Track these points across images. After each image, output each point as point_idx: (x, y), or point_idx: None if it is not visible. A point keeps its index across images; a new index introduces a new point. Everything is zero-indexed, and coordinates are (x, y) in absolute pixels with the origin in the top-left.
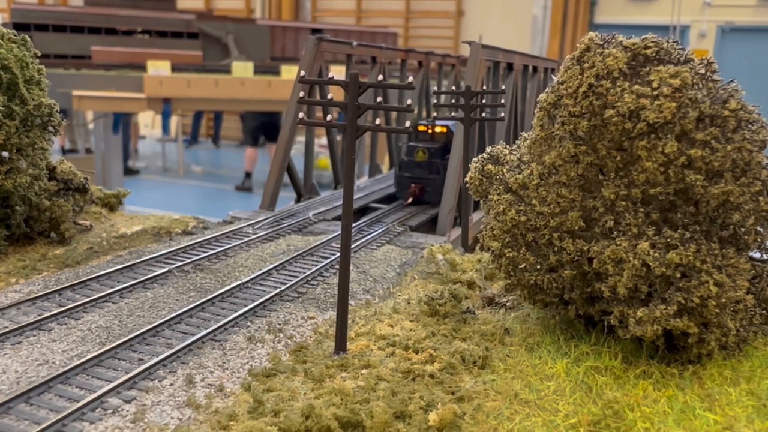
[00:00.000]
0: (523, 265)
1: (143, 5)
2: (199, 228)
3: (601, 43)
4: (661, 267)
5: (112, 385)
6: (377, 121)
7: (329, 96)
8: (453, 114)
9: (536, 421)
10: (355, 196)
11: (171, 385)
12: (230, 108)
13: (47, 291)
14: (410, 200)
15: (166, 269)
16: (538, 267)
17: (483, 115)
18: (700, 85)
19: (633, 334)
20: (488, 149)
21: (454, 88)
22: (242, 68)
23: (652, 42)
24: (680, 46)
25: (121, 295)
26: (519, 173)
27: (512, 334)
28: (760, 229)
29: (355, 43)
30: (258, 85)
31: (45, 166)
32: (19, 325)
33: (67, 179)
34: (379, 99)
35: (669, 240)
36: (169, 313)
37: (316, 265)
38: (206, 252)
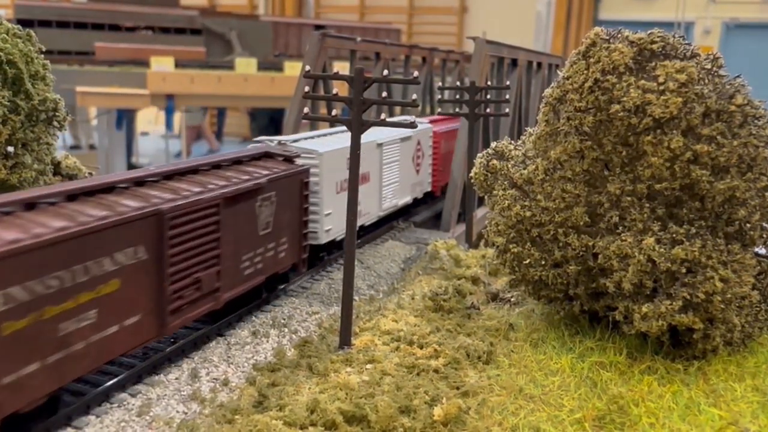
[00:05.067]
0: (527, 261)
1: (147, 1)
2: None
3: (607, 38)
4: (667, 262)
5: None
6: (382, 116)
7: (334, 91)
8: (457, 110)
9: (541, 416)
10: None
11: (176, 379)
12: (233, 104)
13: None
14: None
15: None
16: (543, 262)
17: (487, 110)
18: (706, 81)
19: (638, 329)
20: (493, 145)
21: (458, 83)
22: (245, 64)
23: (658, 37)
24: (686, 41)
25: None
26: (524, 169)
27: (517, 329)
28: (767, 225)
29: (359, 38)
30: (261, 82)
31: (50, 161)
32: None
33: (72, 174)
34: (383, 94)
35: (674, 235)
36: None
37: None
38: None
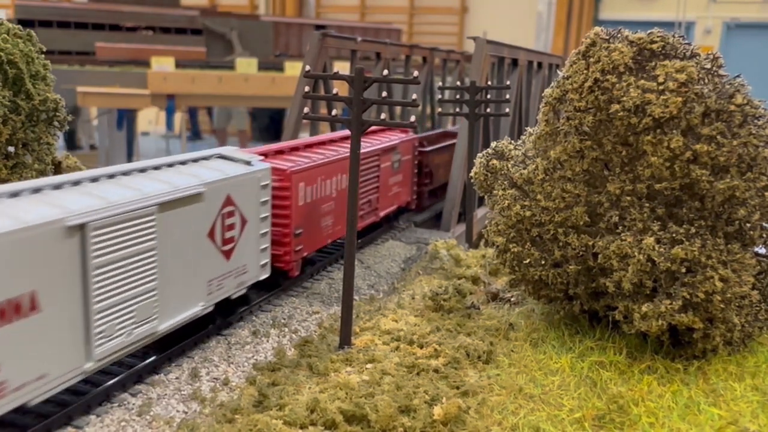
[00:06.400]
0: (527, 260)
1: (147, 1)
2: None
3: (607, 37)
4: (667, 262)
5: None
6: (382, 116)
7: (334, 91)
8: (457, 109)
9: (541, 415)
10: None
11: (177, 378)
12: (234, 104)
13: None
14: None
15: None
16: (543, 262)
17: (487, 110)
18: (706, 80)
19: (638, 329)
20: (493, 144)
21: (458, 83)
22: (246, 64)
23: (658, 36)
24: (686, 41)
25: None
26: (524, 168)
27: (517, 329)
28: (766, 225)
29: (359, 38)
30: (262, 82)
31: (51, 161)
32: None
33: None
34: (383, 94)
35: (674, 235)
36: None
37: None
38: None
